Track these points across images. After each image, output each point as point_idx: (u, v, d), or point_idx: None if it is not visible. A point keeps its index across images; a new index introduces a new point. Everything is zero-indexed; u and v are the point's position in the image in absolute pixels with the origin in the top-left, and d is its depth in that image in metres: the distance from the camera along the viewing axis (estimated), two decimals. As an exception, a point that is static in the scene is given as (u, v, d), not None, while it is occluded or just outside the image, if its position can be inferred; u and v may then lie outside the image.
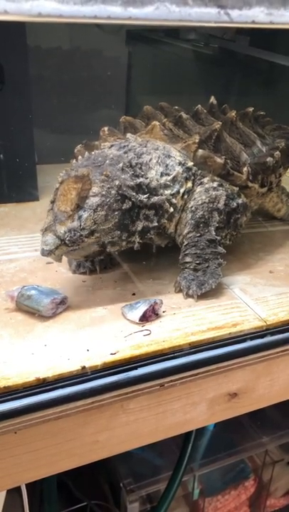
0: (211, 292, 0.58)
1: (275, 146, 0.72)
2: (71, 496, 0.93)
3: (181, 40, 1.16)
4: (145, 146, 0.60)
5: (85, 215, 0.51)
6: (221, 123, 0.65)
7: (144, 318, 0.52)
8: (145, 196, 0.55)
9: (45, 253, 0.52)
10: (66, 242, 0.51)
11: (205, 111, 0.72)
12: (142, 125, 0.67)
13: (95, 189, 0.51)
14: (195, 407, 0.53)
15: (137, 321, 0.52)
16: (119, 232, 0.54)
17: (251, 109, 0.77)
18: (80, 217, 0.51)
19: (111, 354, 0.48)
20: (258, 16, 0.37)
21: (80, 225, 0.51)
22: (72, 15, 0.32)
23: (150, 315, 0.53)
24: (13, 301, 0.53)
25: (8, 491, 0.63)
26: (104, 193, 0.51)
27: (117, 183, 0.52)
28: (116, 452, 0.51)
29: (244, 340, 0.53)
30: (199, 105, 0.71)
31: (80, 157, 0.57)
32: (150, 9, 0.34)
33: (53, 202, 0.53)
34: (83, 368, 0.46)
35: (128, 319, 0.53)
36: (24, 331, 0.50)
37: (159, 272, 0.63)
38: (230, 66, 1.18)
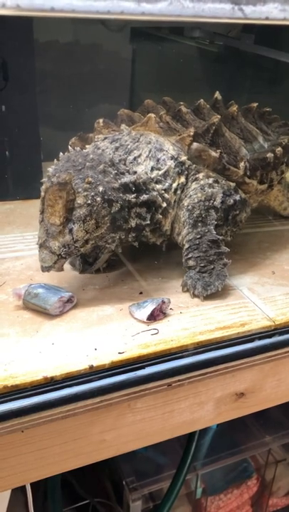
0: (218, 292, 0.57)
1: (277, 143, 0.71)
2: (74, 494, 0.93)
3: (186, 38, 1.16)
4: (138, 141, 0.58)
5: (75, 227, 0.50)
6: (219, 117, 0.64)
7: (152, 317, 0.52)
8: (133, 196, 0.54)
9: (45, 270, 0.52)
10: (62, 255, 0.51)
11: (208, 106, 0.70)
12: (141, 118, 0.66)
13: (79, 200, 0.50)
14: (202, 407, 0.53)
15: (145, 320, 0.52)
16: (113, 234, 0.53)
17: (255, 104, 0.76)
18: (70, 230, 0.50)
19: (119, 353, 0.47)
20: (272, 12, 0.36)
21: (73, 238, 0.50)
22: (86, 10, 0.32)
23: (158, 314, 0.53)
24: (20, 299, 0.53)
25: (13, 489, 0.63)
26: (89, 202, 0.50)
27: (100, 189, 0.51)
28: (122, 451, 0.51)
29: (252, 340, 0.53)
30: (202, 99, 0.70)
31: (61, 156, 0.54)
32: (164, 4, 0.33)
33: (42, 212, 0.52)
34: (91, 366, 0.46)
35: (136, 318, 0.53)
36: (31, 330, 0.50)
37: (166, 271, 0.63)
38: (235, 64, 1.18)
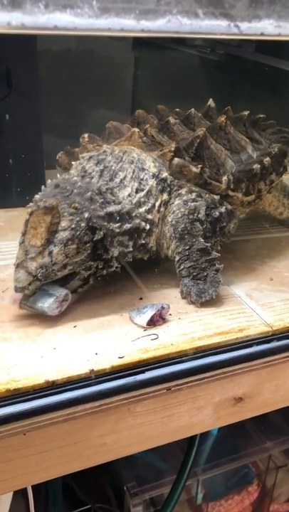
0: (216, 298, 0.58)
1: (266, 152, 0.70)
2: (76, 499, 0.93)
3: (188, 46, 1.17)
4: (121, 160, 0.59)
5: (55, 250, 0.50)
6: (204, 129, 0.64)
7: (152, 322, 0.53)
8: (117, 225, 0.54)
9: (18, 290, 0.50)
10: (38, 277, 0.50)
11: (199, 115, 0.70)
12: (129, 130, 0.65)
13: (64, 223, 0.50)
14: (201, 411, 0.53)
15: (145, 325, 0.53)
16: (92, 263, 0.53)
17: (246, 112, 0.75)
18: (50, 252, 0.50)
19: (119, 358, 0.48)
20: (267, 29, 0.38)
21: (52, 261, 0.50)
22: (87, 28, 0.33)
23: (157, 319, 0.54)
24: (15, 303, 0.53)
25: (14, 493, 0.64)
26: (73, 226, 0.50)
27: (86, 215, 0.51)
28: (122, 455, 0.52)
29: (250, 346, 0.53)
30: (192, 109, 0.71)
31: (48, 183, 0.55)
32: (162, 22, 0.35)
33: (23, 234, 0.52)
34: (92, 371, 0.46)
35: (136, 323, 0.54)
36: (34, 334, 0.51)
37: (166, 277, 0.64)
38: (237, 72, 1.19)
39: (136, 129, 0.62)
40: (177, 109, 0.74)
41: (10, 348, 0.49)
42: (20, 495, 0.71)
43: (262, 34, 0.37)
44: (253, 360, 0.53)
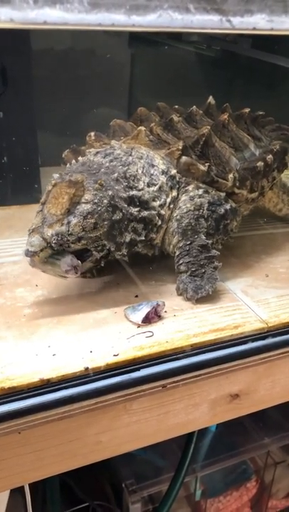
0: (212, 294, 0.58)
1: (268, 149, 0.71)
2: (74, 497, 0.93)
3: (184, 43, 1.17)
4: (130, 155, 0.59)
5: (74, 220, 0.51)
6: (209, 128, 0.64)
7: (147, 319, 0.53)
8: (136, 210, 0.56)
9: (29, 254, 0.50)
10: (52, 245, 0.50)
11: (201, 112, 0.71)
12: (133, 128, 0.66)
13: (87, 196, 0.52)
14: (197, 408, 0.53)
15: (140, 322, 0.53)
16: (106, 243, 0.53)
17: (247, 109, 0.75)
18: (69, 222, 0.51)
19: (114, 355, 0.48)
20: (259, 23, 0.38)
21: (68, 230, 0.51)
22: (77, 23, 0.33)
23: (152, 317, 0.54)
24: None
25: (11, 491, 0.64)
26: (96, 201, 0.52)
27: (110, 193, 0.53)
28: (118, 453, 0.52)
29: (245, 342, 0.53)
30: (194, 106, 0.71)
31: (74, 161, 0.57)
32: (153, 17, 0.35)
33: (43, 203, 0.53)
34: (86, 369, 0.46)
35: (131, 321, 0.54)
36: (28, 333, 0.51)
37: (162, 274, 0.64)
38: (233, 68, 1.19)
39: (142, 128, 0.62)
40: (176, 106, 0.73)
41: (4, 346, 0.49)
42: (17, 493, 0.71)
43: (254, 29, 0.37)
44: (249, 357, 0.53)
